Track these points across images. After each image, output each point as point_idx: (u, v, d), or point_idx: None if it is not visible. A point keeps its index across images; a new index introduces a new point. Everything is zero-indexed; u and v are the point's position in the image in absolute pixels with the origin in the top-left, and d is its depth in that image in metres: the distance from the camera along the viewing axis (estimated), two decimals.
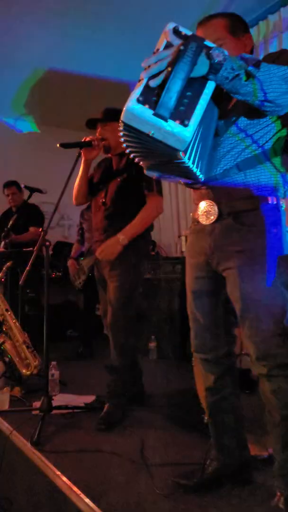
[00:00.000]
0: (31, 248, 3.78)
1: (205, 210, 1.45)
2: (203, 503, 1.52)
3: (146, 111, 1.10)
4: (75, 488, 1.62)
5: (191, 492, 1.58)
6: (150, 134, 1.13)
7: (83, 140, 2.46)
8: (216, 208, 1.41)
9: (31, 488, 1.88)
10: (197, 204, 1.50)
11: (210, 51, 1.13)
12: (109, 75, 4.74)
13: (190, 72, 1.09)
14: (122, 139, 1.26)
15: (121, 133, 1.23)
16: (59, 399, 2.60)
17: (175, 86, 1.08)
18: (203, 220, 1.45)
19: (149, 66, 1.13)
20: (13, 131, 5.85)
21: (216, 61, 1.12)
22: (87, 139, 2.46)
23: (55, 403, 2.37)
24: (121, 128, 1.21)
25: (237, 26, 1.46)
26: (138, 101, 1.10)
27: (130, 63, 4.50)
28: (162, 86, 1.09)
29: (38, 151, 5.54)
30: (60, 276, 4.87)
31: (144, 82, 1.12)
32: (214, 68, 1.13)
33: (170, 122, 1.10)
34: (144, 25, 3.89)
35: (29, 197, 4.31)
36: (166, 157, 1.23)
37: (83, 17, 3.75)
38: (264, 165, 1.37)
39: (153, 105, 1.10)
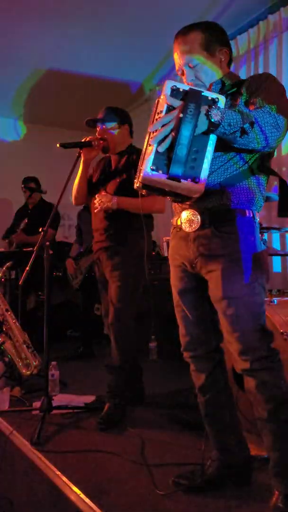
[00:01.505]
0: (30, 248, 3.79)
1: (187, 219, 1.54)
2: (203, 503, 1.53)
3: (161, 176, 1.27)
4: (75, 488, 1.62)
5: (192, 492, 1.58)
6: (167, 190, 1.32)
7: (82, 140, 2.46)
8: (198, 217, 1.51)
9: (31, 488, 1.88)
10: (178, 213, 1.61)
11: (209, 112, 1.25)
12: (109, 75, 4.74)
13: (193, 135, 1.24)
14: (141, 189, 1.39)
15: (141, 187, 1.37)
16: (59, 399, 2.61)
17: (182, 151, 1.24)
18: (186, 228, 1.55)
19: (155, 132, 1.28)
20: (13, 131, 5.85)
21: (214, 120, 1.25)
22: (87, 139, 2.46)
23: (55, 403, 2.37)
24: (139, 185, 1.35)
25: (212, 41, 1.54)
26: (152, 169, 1.26)
27: (130, 63, 4.54)
28: (170, 148, 1.25)
29: (38, 151, 5.55)
30: (60, 276, 4.87)
31: (154, 148, 1.27)
32: (213, 126, 1.26)
33: (183, 182, 1.27)
34: (144, 25, 3.90)
35: (29, 197, 4.32)
36: (179, 197, 1.40)
37: (83, 17, 3.76)
38: (247, 180, 1.50)
39: (166, 170, 1.26)
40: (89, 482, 1.67)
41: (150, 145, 1.29)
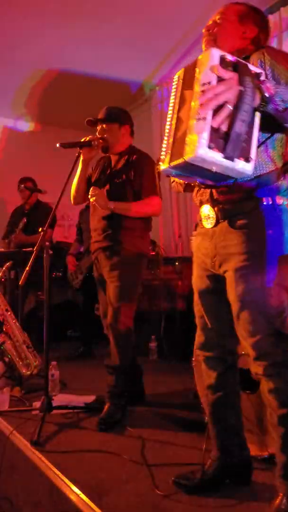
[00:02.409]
0: (30, 248, 3.79)
1: (205, 215, 1.49)
2: (204, 503, 1.52)
3: (216, 155, 1.16)
4: (75, 488, 1.62)
5: (192, 492, 1.58)
6: (213, 170, 1.21)
7: (82, 140, 2.46)
8: (213, 212, 1.46)
9: (31, 488, 1.87)
10: (199, 208, 1.55)
11: (261, 85, 1.18)
12: (109, 75, 4.74)
13: (252, 113, 1.17)
14: (173, 173, 1.31)
15: (173, 171, 1.29)
16: (59, 399, 2.60)
17: (242, 128, 1.15)
18: (205, 224, 1.50)
19: (205, 103, 1.16)
20: (13, 131, 5.85)
21: (267, 94, 1.18)
22: (87, 139, 2.46)
23: (55, 403, 2.37)
24: (176, 164, 1.24)
25: (249, 15, 1.55)
26: (210, 147, 1.15)
27: (130, 63, 4.54)
28: (228, 127, 1.15)
29: (38, 151, 5.54)
30: (60, 276, 4.87)
31: (208, 123, 1.15)
32: (266, 101, 1.19)
33: (236, 161, 1.18)
34: (144, 25, 3.90)
35: (29, 197, 4.32)
36: (216, 179, 1.31)
37: (83, 17, 3.76)
38: (267, 163, 1.40)
39: (222, 148, 1.16)
40: (89, 482, 1.67)
41: (199, 118, 1.16)
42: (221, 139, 1.16)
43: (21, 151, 5.66)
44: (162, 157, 1.31)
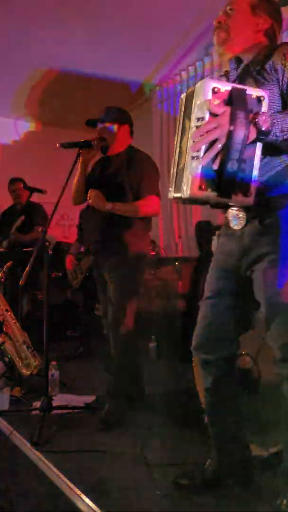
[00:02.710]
0: (30, 248, 3.79)
1: (234, 215, 1.46)
2: (204, 503, 1.52)
3: (210, 194, 1.18)
4: (75, 488, 1.62)
5: (193, 492, 1.57)
6: (213, 203, 1.25)
7: (82, 140, 2.46)
8: (243, 213, 1.42)
9: (31, 488, 1.87)
10: (224, 209, 1.52)
11: (257, 119, 1.16)
12: (109, 75, 4.74)
13: (244, 150, 1.15)
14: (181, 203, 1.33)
15: (182, 202, 1.30)
16: (59, 399, 2.60)
17: (233, 166, 1.14)
18: (233, 225, 1.46)
19: (198, 142, 1.17)
20: (13, 131, 5.85)
21: (264, 128, 1.16)
22: (87, 139, 2.46)
23: (55, 403, 2.37)
24: (177, 198, 1.27)
25: (262, 6, 1.48)
26: (200, 188, 1.16)
27: (130, 63, 4.54)
28: (220, 166, 1.15)
29: (38, 151, 5.54)
30: (60, 276, 4.87)
31: (200, 163, 1.16)
32: (263, 134, 1.18)
33: (234, 197, 1.19)
34: (144, 25, 3.90)
35: (29, 197, 4.31)
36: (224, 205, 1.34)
37: (83, 17, 3.76)
38: None
39: (215, 188, 1.17)
40: (89, 482, 1.67)
41: (193, 157, 1.18)
42: (213, 179, 1.17)
43: (21, 151, 5.66)
44: (170, 187, 1.34)
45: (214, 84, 1.17)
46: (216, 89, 1.16)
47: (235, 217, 1.45)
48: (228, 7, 1.49)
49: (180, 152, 1.29)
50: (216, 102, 1.16)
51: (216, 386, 1.59)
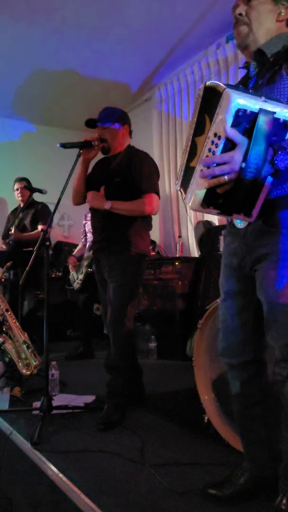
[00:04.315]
0: (30, 248, 3.80)
1: None
2: (203, 503, 1.52)
3: (212, 211, 1.21)
4: (75, 488, 1.62)
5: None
6: (217, 215, 1.27)
7: (83, 140, 2.46)
8: None
9: (31, 488, 1.88)
10: None
11: (275, 158, 1.12)
12: (109, 75, 4.74)
13: (252, 186, 1.13)
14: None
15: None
16: (59, 399, 2.61)
17: (239, 196, 1.15)
18: (237, 224, 1.44)
19: (208, 168, 1.14)
20: (13, 131, 5.85)
21: (281, 167, 1.12)
22: (88, 139, 2.46)
23: (55, 403, 2.37)
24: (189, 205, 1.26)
25: None
26: (203, 206, 1.19)
27: (130, 63, 4.54)
28: (226, 193, 1.15)
29: (38, 151, 5.55)
30: (60, 276, 4.88)
31: (205, 184, 1.16)
32: (277, 173, 1.14)
33: (235, 215, 1.22)
34: (144, 25, 3.90)
35: (29, 197, 4.33)
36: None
37: (83, 17, 3.76)
38: None
39: (218, 207, 1.19)
40: (89, 482, 1.67)
41: (202, 178, 1.15)
42: (218, 201, 1.17)
43: (21, 151, 5.66)
44: (177, 179, 1.34)
45: (240, 105, 1.08)
46: (240, 113, 1.08)
47: None
48: None
49: (192, 147, 1.26)
50: (234, 132, 1.10)
51: (243, 392, 1.54)
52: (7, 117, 5.74)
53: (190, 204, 1.21)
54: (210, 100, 1.17)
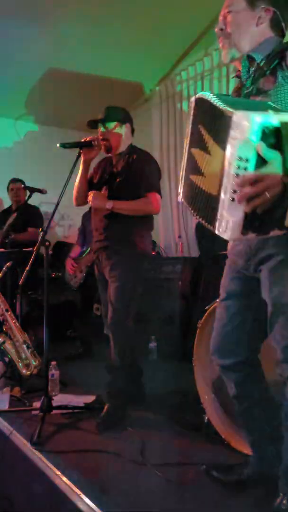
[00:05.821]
0: (30, 248, 3.79)
1: None
2: (203, 502, 1.52)
3: (250, 237, 1.18)
4: (75, 488, 1.62)
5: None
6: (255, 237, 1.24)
7: (83, 140, 2.46)
8: None
9: (31, 488, 1.88)
10: None
11: None
12: (109, 75, 4.74)
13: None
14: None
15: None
16: (59, 399, 2.60)
17: (279, 212, 1.13)
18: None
19: (241, 194, 1.12)
20: (13, 131, 5.85)
21: None
22: (88, 139, 2.46)
23: (55, 403, 2.37)
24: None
25: None
26: (243, 233, 1.16)
27: (130, 63, 4.54)
28: (263, 211, 1.13)
29: (38, 151, 5.54)
30: (60, 276, 4.87)
31: (242, 208, 1.13)
32: None
33: (272, 233, 1.18)
34: (144, 25, 3.90)
35: (29, 197, 4.32)
36: None
37: (83, 17, 3.75)
38: None
39: (257, 230, 1.16)
40: (89, 482, 1.67)
41: (233, 199, 1.13)
42: (256, 224, 1.15)
43: (22, 151, 5.66)
44: (179, 190, 1.35)
45: (262, 118, 1.07)
46: (266, 130, 1.07)
47: None
48: (226, 10, 1.43)
49: (191, 159, 1.26)
50: (265, 148, 1.09)
51: (240, 393, 1.55)
52: (7, 117, 5.73)
53: (229, 235, 1.17)
54: (213, 116, 1.18)
